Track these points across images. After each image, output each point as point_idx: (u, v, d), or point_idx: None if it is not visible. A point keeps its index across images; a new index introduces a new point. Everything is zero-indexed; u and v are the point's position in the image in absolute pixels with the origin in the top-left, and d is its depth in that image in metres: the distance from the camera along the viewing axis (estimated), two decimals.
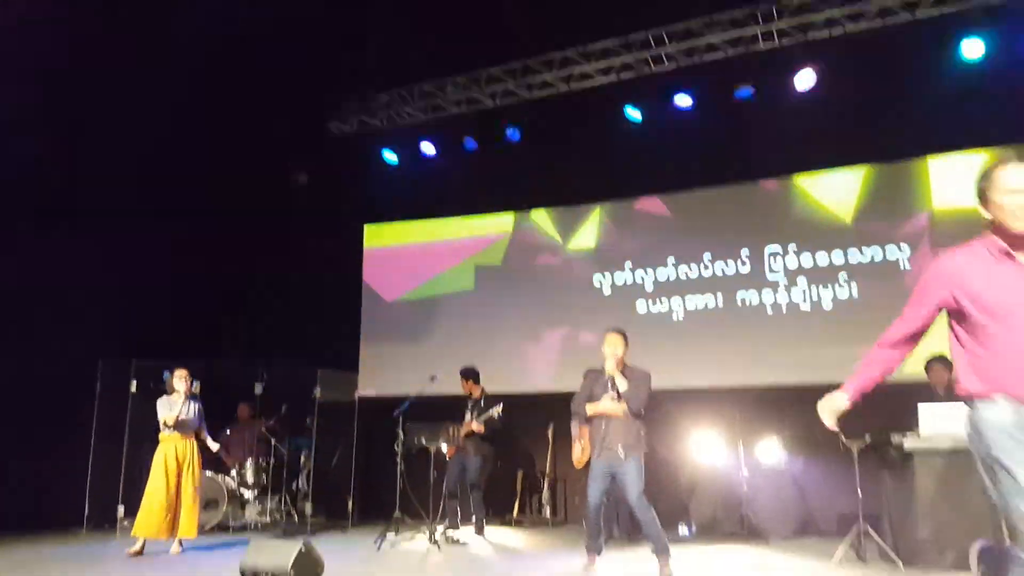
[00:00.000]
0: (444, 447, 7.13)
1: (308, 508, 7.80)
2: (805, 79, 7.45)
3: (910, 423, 5.34)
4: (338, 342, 9.07)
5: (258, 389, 7.99)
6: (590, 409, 5.11)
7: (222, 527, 7.35)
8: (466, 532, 6.94)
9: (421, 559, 5.76)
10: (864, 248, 7.60)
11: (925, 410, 5.28)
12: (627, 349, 5.18)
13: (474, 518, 6.97)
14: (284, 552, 4.43)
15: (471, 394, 7.25)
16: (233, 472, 7.71)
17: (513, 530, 7.65)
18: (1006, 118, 6.78)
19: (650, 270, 8.37)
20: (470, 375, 7.29)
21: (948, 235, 7.16)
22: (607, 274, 8.56)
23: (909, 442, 5.27)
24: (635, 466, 4.93)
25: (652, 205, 8.57)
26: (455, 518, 7.02)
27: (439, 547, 6.17)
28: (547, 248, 8.93)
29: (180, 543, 6.05)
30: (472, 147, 8.88)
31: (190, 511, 6.07)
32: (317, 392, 7.98)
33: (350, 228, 9.53)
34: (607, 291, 8.52)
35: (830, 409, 2.88)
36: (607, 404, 5.02)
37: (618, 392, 5.02)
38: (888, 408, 5.70)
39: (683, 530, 7.12)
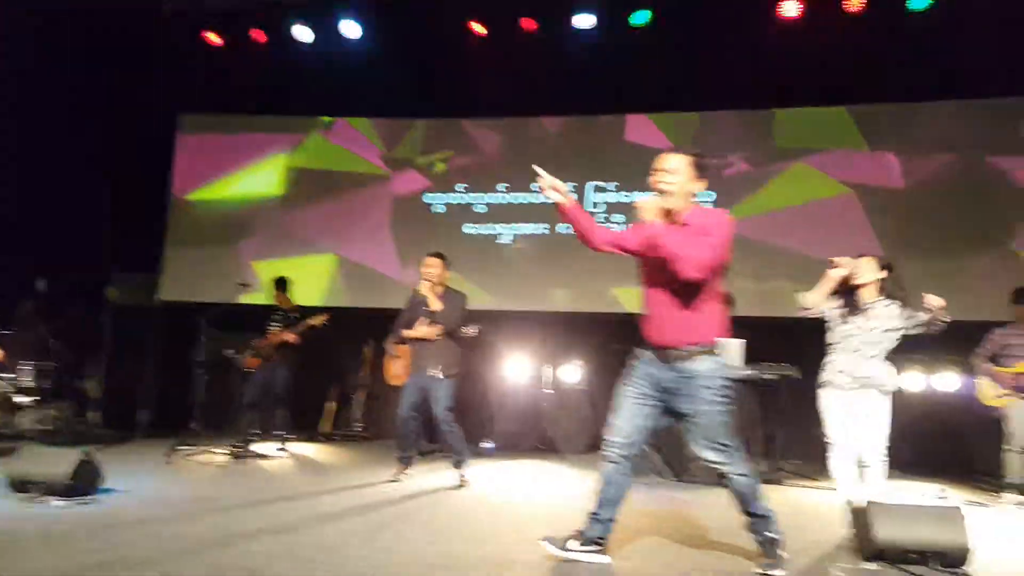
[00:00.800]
0: (245, 358, 6.84)
1: (94, 417, 7.32)
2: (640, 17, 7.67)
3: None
4: (141, 241, 8.42)
5: (41, 285, 7.29)
6: (406, 334, 5.39)
7: None
8: (269, 447, 6.83)
9: (215, 473, 5.63)
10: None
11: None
12: (445, 272, 5.44)
13: (277, 432, 6.78)
14: (62, 460, 4.18)
15: (280, 305, 7.01)
16: (11, 375, 7.03)
17: (323, 445, 7.65)
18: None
19: (480, 194, 8.48)
20: (283, 285, 7.06)
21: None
22: (437, 194, 8.57)
23: None
24: (446, 384, 5.27)
25: (479, 128, 8.61)
26: (256, 432, 6.74)
27: (237, 461, 6.07)
28: (371, 158, 8.76)
29: None
30: (308, 39, 8.34)
31: None
32: (111, 292, 7.41)
33: (161, 116, 8.73)
34: (438, 209, 8.55)
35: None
36: (421, 330, 5.30)
37: (431, 313, 5.29)
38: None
39: (487, 445, 7.45)
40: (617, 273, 8.01)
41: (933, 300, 3.90)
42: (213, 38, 8.49)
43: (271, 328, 6.79)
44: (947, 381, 6.89)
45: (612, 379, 7.43)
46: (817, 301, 4.15)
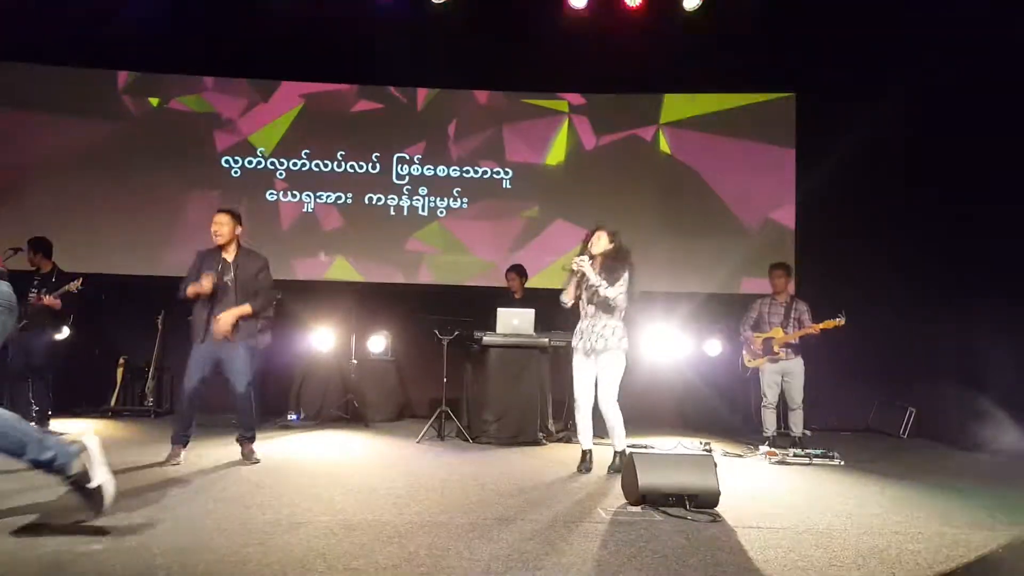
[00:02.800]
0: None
1: None
2: None
3: (490, 322, 6.30)
4: None
5: None
6: (191, 289, 4.88)
7: None
8: (55, 423, 6.40)
9: None
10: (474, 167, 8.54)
11: (502, 313, 6.26)
12: (240, 229, 5.07)
13: (35, 407, 6.19)
14: None
15: (39, 268, 6.41)
16: None
17: (109, 421, 7.28)
18: None
19: (284, 160, 8.39)
20: (40, 247, 6.42)
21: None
22: (238, 158, 8.36)
23: (487, 338, 6.23)
24: (245, 353, 4.92)
25: (288, 91, 8.52)
26: (30, 407, 6.17)
27: None
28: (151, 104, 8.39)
29: None
30: None
31: None
32: None
33: None
34: (236, 172, 8.34)
35: None
36: (204, 283, 4.82)
37: (235, 277, 4.92)
38: (479, 309, 6.66)
39: (291, 416, 7.46)
40: (426, 244, 8.33)
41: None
42: None
43: (30, 293, 6.24)
44: (713, 347, 7.86)
45: (417, 349, 7.87)
46: (571, 296, 5.07)
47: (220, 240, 4.97)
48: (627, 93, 8.50)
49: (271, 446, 5.81)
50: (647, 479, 3.85)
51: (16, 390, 6.19)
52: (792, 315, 6.36)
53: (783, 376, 6.35)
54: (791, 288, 6.63)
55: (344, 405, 7.58)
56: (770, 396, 6.40)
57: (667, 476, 3.85)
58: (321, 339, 7.66)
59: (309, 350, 7.70)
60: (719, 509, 3.79)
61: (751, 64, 7.99)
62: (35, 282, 6.35)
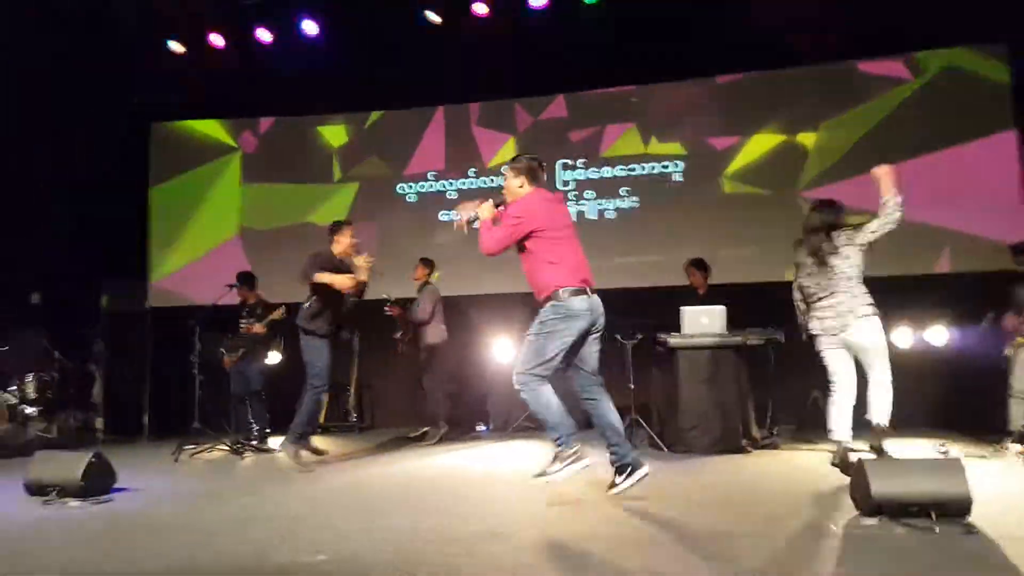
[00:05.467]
0: (223, 359, 6.86)
1: (99, 423, 7.44)
2: None
3: (675, 323, 6.00)
4: (126, 248, 8.49)
5: (35, 298, 7.35)
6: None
7: (2, 446, 6.78)
8: (272, 441, 6.92)
9: (220, 467, 5.76)
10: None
11: (686, 311, 5.97)
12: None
13: (255, 427, 6.79)
14: (73, 463, 4.27)
15: (245, 301, 7.02)
16: (13, 388, 7.10)
17: (320, 437, 7.77)
18: None
19: (453, 181, 8.59)
20: (246, 280, 7.04)
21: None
22: (411, 184, 8.67)
23: (673, 339, 5.95)
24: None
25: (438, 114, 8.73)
26: (250, 428, 6.84)
27: (240, 456, 6.20)
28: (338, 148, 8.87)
29: None
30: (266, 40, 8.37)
31: None
32: (104, 301, 7.49)
33: (137, 123, 8.78)
34: (411, 198, 8.65)
35: None
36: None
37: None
38: (656, 309, 6.42)
39: (480, 427, 7.60)
40: (621, 247, 8.18)
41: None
42: (176, 46, 8.45)
43: (241, 325, 6.88)
44: (938, 335, 7.06)
45: (599, 355, 7.71)
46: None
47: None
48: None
49: (464, 457, 5.92)
50: (882, 487, 3.37)
51: (239, 412, 6.79)
52: None
53: None
54: None
55: (529, 415, 7.60)
56: (1017, 388, 5.63)
57: (906, 483, 3.36)
58: (503, 350, 7.75)
59: (493, 361, 7.82)
60: (972, 519, 3.28)
61: None
62: (244, 313, 6.97)
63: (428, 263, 7.23)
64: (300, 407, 5.62)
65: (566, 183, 8.39)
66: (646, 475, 3.98)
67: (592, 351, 4.03)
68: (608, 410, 4.02)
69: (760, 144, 8.01)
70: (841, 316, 4.71)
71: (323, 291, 5.56)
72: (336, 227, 5.80)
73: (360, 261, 5.65)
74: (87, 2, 7.68)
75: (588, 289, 3.95)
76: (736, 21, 7.32)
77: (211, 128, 9.05)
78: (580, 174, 8.38)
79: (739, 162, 8.05)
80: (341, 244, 5.72)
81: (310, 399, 5.62)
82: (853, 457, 4.31)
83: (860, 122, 7.74)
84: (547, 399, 3.87)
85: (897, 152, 7.26)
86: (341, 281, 5.50)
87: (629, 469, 3.96)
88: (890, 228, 4.59)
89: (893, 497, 3.36)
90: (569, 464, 3.85)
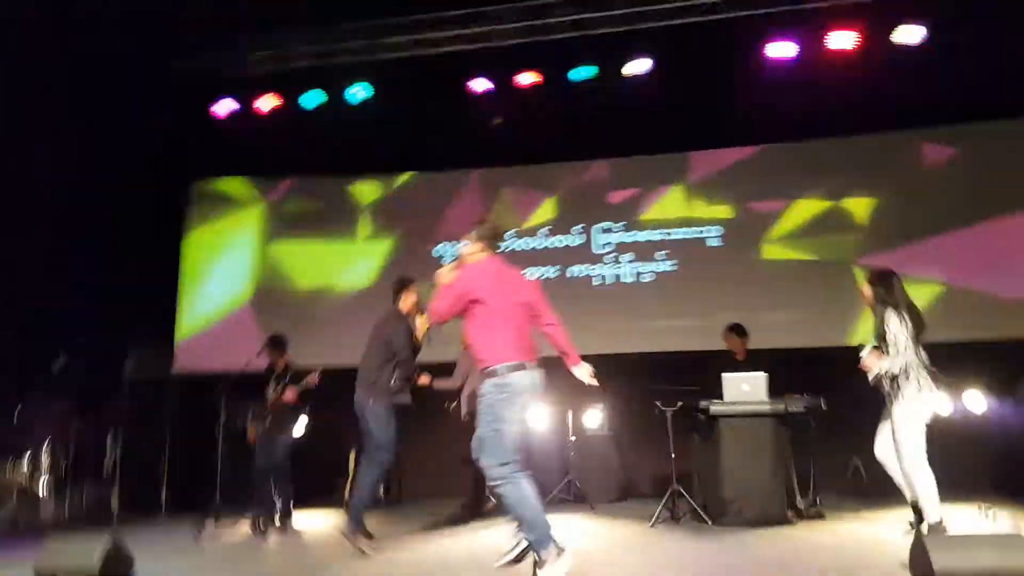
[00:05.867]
0: (249, 431, 6.52)
1: (114, 500, 7.20)
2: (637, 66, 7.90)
3: (717, 390, 5.78)
4: (154, 313, 8.42)
5: (57, 365, 7.23)
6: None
7: (12, 528, 6.53)
8: (299, 518, 6.65)
9: (244, 549, 5.51)
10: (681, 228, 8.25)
11: (728, 379, 5.74)
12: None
13: (279, 503, 6.41)
14: (88, 550, 4.06)
15: (274, 366, 6.68)
16: (24, 461, 6.91)
17: (344, 511, 7.51)
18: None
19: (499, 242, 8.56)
20: (280, 344, 6.71)
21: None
22: (447, 243, 8.62)
23: (715, 407, 5.72)
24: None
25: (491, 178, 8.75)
26: (274, 504, 6.46)
27: (263, 535, 5.95)
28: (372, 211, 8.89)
29: None
30: (315, 103, 8.47)
31: None
32: (128, 368, 7.35)
33: (173, 185, 8.82)
34: (448, 259, 8.58)
35: None
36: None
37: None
38: (696, 376, 6.22)
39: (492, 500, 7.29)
40: (638, 313, 8.06)
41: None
42: (220, 109, 8.57)
43: (269, 392, 6.52)
44: (976, 402, 6.86)
45: (635, 423, 7.50)
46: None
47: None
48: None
49: (500, 532, 5.64)
50: (945, 563, 3.23)
51: (261, 487, 6.47)
52: None
53: None
54: None
55: (566, 486, 7.32)
56: None
57: (970, 558, 3.24)
58: (538, 416, 7.51)
59: (528, 427, 7.57)
60: None
61: None
62: (272, 380, 6.63)
63: None
64: (359, 483, 5.22)
65: (605, 245, 8.36)
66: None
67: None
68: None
69: (802, 210, 8.01)
70: None
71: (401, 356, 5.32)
72: (403, 284, 5.55)
73: (422, 321, 5.40)
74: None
75: (527, 364, 3.83)
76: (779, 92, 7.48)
77: (246, 188, 9.07)
78: (617, 236, 8.35)
79: (780, 227, 8.05)
80: (408, 302, 5.49)
81: (374, 472, 5.21)
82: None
83: (904, 191, 7.79)
84: (528, 494, 3.65)
85: (942, 220, 7.29)
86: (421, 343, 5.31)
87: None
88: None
89: (956, 573, 3.23)
90: (562, 561, 3.58)
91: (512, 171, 8.73)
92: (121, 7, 7.03)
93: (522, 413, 3.82)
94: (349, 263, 8.78)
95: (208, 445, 6.58)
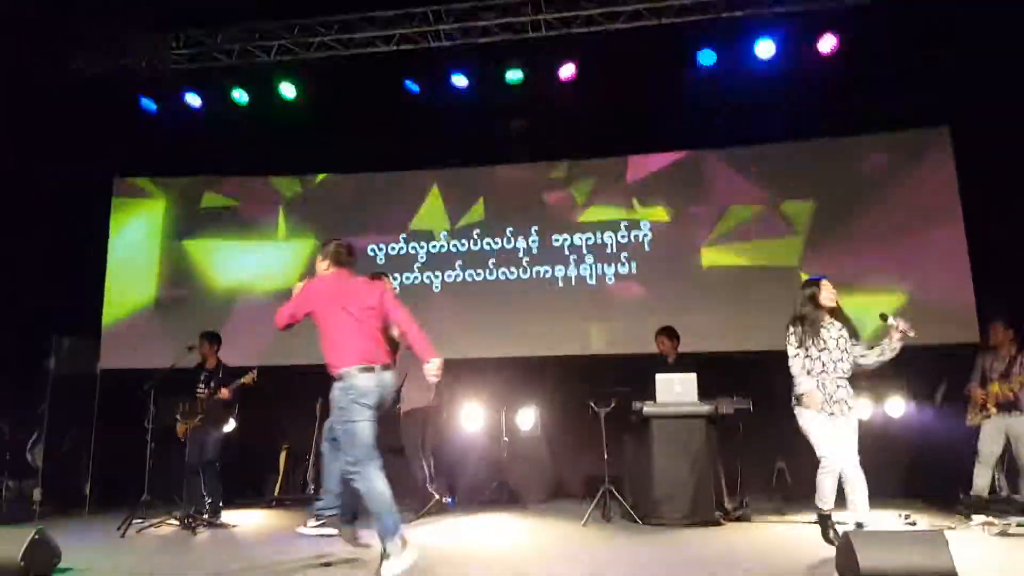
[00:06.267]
0: (178, 426, 6.46)
1: (37, 493, 6.95)
2: (567, 70, 8.03)
3: (648, 391, 5.94)
4: (78, 307, 8.15)
5: None
6: None
7: None
8: (225, 515, 6.55)
9: (170, 544, 5.39)
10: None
11: (660, 379, 5.92)
12: None
13: (208, 500, 6.33)
14: (12, 540, 3.94)
15: (204, 363, 6.64)
16: None
17: (274, 510, 7.42)
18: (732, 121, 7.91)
19: (424, 243, 8.56)
20: (215, 340, 6.68)
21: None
22: (382, 244, 8.60)
23: (648, 408, 5.89)
24: None
25: (421, 179, 8.75)
26: (203, 500, 6.37)
27: (192, 531, 5.84)
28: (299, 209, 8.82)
29: None
30: (243, 102, 8.40)
31: None
32: (51, 362, 7.12)
33: (97, 181, 8.57)
34: (380, 259, 8.57)
35: None
36: None
37: None
38: (628, 377, 6.38)
39: (447, 499, 7.33)
40: (585, 313, 8.16)
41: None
42: (148, 104, 8.45)
43: (197, 389, 6.47)
44: (896, 407, 7.27)
45: (567, 424, 7.64)
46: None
47: None
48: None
49: (433, 531, 5.68)
50: (869, 561, 3.38)
51: (191, 483, 6.37)
52: (1015, 369, 5.87)
53: (1008, 435, 5.79)
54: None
55: (499, 487, 7.41)
56: (984, 453, 5.82)
57: (893, 557, 3.38)
58: (471, 417, 7.57)
59: (462, 428, 7.62)
60: None
61: None
62: (203, 376, 6.57)
63: None
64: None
65: (538, 247, 8.42)
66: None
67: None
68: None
69: (737, 214, 8.20)
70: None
71: None
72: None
73: None
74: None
75: (375, 366, 4.05)
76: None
77: (172, 184, 8.89)
78: (554, 238, 8.41)
79: (715, 231, 8.21)
80: None
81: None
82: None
83: (837, 196, 8.03)
84: (377, 487, 3.84)
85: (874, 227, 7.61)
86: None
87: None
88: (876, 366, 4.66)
89: (879, 572, 3.34)
90: (406, 554, 3.76)
91: (444, 172, 8.74)
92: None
93: (372, 411, 3.98)
94: (269, 263, 8.65)
95: (132, 442, 6.41)
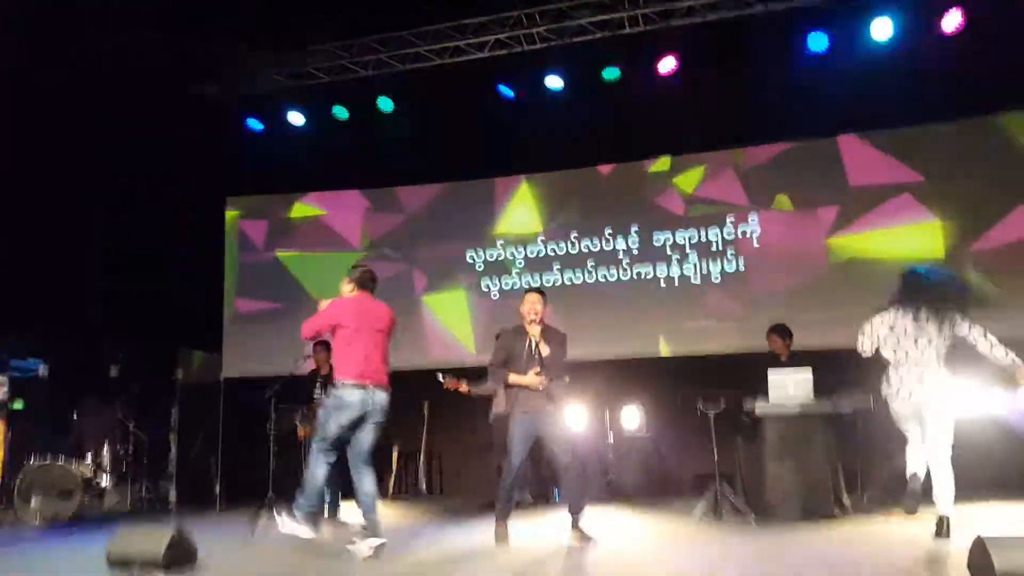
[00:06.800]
0: (299, 430, 6.71)
1: (172, 494, 7.47)
2: (666, 64, 7.91)
3: (760, 389, 5.79)
4: (201, 320, 8.70)
5: (114, 372, 7.54)
6: (512, 379, 5.06)
7: (79, 518, 6.89)
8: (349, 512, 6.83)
9: (298, 541, 5.65)
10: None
11: (773, 378, 5.76)
12: (546, 308, 5.22)
13: (329, 496, 6.38)
14: (155, 538, 4.22)
15: (318, 371, 6.90)
16: (88, 458, 7.24)
17: (389, 504, 7.69)
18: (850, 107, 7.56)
19: (521, 248, 8.64)
20: (328, 348, 6.73)
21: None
22: (479, 250, 8.73)
23: (759, 406, 5.74)
24: (559, 423, 5.08)
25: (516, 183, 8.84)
26: (325, 498, 6.70)
27: (316, 527, 6.09)
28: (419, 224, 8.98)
29: None
30: (343, 117, 8.73)
31: None
32: (179, 373, 7.62)
33: (212, 200, 9.14)
34: (479, 266, 8.70)
35: None
36: (531, 379, 4.98)
37: (541, 358, 5.01)
38: (740, 375, 6.24)
39: (555, 496, 7.38)
40: (662, 318, 8.06)
41: None
42: (255, 124, 8.92)
43: (315, 395, 6.73)
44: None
45: (674, 424, 7.55)
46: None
47: (535, 322, 5.12)
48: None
49: (540, 523, 5.73)
50: (1006, 565, 3.20)
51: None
52: None
53: None
54: None
55: (605, 484, 7.40)
56: None
57: None
58: (576, 416, 7.58)
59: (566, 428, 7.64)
60: None
61: None
62: (318, 383, 6.84)
63: None
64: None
65: (643, 245, 8.36)
66: (382, 544, 4.53)
67: (367, 438, 4.68)
68: (368, 484, 4.69)
69: (863, 202, 7.85)
70: None
71: None
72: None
73: None
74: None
75: (368, 385, 4.59)
76: None
77: (278, 200, 9.33)
78: (663, 237, 8.33)
79: (841, 221, 7.93)
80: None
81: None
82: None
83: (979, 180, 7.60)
84: (322, 473, 4.67)
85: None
86: None
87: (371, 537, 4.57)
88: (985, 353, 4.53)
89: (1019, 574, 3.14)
90: (300, 525, 4.63)
91: (540, 176, 8.79)
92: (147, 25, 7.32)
93: (347, 421, 4.60)
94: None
95: (256, 446, 6.77)
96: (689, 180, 8.34)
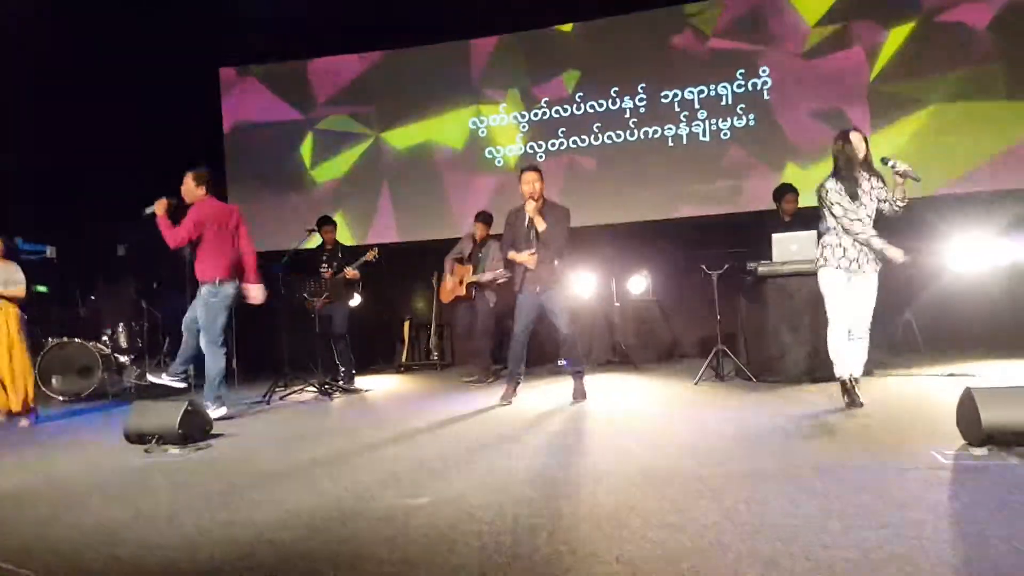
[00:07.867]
0: (309, 301, 6.82)
1: (190, 370, 7.65)
2: None
3: (764, 251, 5.75)
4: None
5: (121, 251, 7.59)
6: (510, 255, 5.36)
7: (100, 394, 7.18)
8: (360, 381, 7.07)
9: (312, 411, 5.87)
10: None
11: (777, 239, 5.69)
12: (542, 185, 5.28)
13: (342, 369, 6.88)
14: (170, 412, 4.38)
15: (325, 245, 7.07)
16: (105, 337, 7.44)
17: (403, 376, 7.92)
18: None
19: (524, 113, 8.41)
20: (331, 223, 7.13)
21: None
22: (483, 118, 8.51)
23: (762, 267, 5.71)
24: (558, 297, 5.28)
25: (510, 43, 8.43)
26: (337, 369, 6.92)
27: (329, 397, 6.33)
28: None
29: (27, 416, 5.70)
30: None
31: (13, 383, 5.65)
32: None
33: (208, 70, 8.94)
34: (483, 132, 8.51)
35: None
36: (523, 256, 5.23)
37: (537, 233, 5.18)
38: (743, 237, 6.19)
39: (561, 362, 7.54)
40: (680, 179, 7.92)
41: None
42: None
43: (322, 269, 6.89)
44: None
45: (680, 287, 7.57)
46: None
47: (532, 200, 5.20)
48: None
49: (548, 391, 5.89)
50: (993, 416, 3.23)
51: (324, 355, 6.85)
52: None
53: None
54: None
55: (611, 348, 7.53)
56: None
57: (1018, 412, 3.20)
58: (583, 284, 7.63)
59: (574, 294, 7.70)
60: None
61: None
62: (324, 257, 6.96)
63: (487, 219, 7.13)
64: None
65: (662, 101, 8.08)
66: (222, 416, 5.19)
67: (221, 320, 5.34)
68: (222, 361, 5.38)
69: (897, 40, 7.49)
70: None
71: None
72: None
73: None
74: None
75: (237, 280, 5.35)
76: None
77: (277, 72, 9.02)
78: (671, 94, 8.07)
79: (879, 63, 7.60)
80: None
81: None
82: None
83: None
84: (220, 363, 5.29)
85: None
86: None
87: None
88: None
89: (1005, 427, 3.21)
90: (216, 411, 5.15)
91: (535, 33, 8.45)
92: None
93: (229, 311, 5.34)
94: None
95: (267, 320, 6.88)
96: (710, 18, 7.96)
